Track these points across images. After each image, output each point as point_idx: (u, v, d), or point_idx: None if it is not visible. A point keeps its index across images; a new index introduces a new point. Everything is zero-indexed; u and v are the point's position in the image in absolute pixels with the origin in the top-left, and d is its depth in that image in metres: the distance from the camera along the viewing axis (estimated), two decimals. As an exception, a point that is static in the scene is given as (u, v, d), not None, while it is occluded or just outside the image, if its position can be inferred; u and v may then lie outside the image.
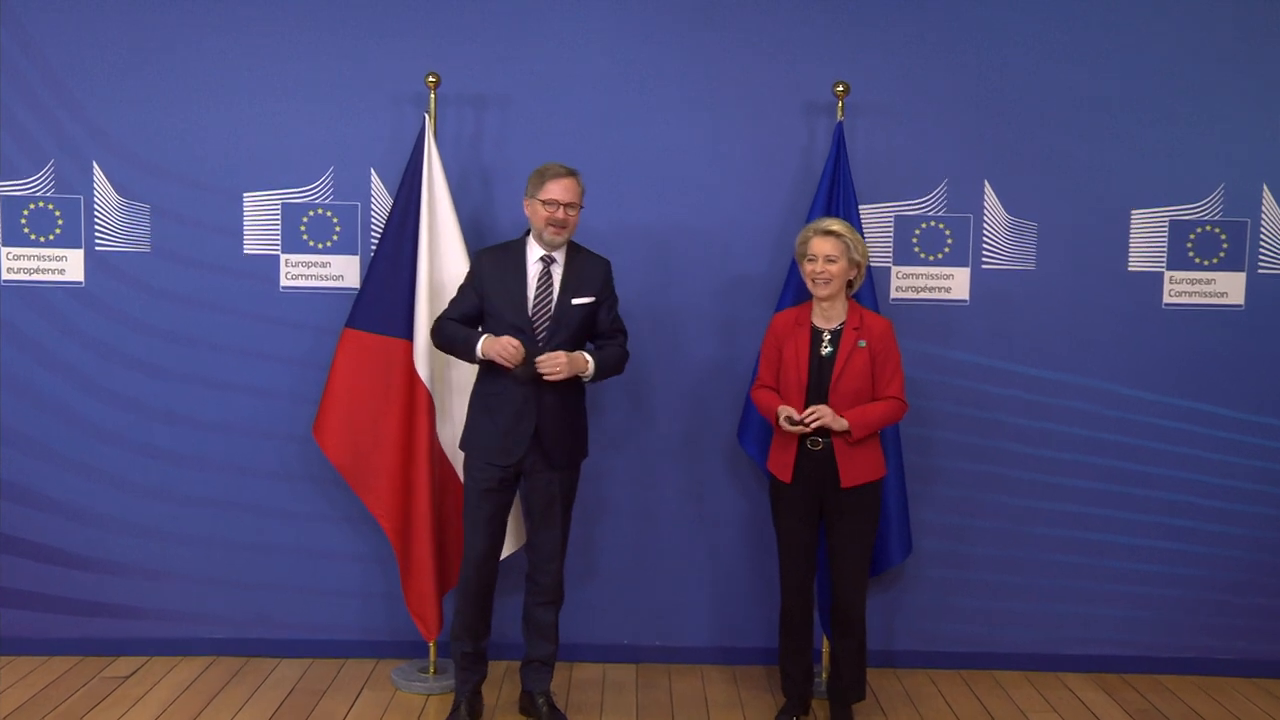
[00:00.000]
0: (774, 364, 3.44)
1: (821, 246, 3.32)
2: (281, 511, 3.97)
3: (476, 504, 3.43)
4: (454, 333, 3.39)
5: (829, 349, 3.33)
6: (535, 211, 3.32)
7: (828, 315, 3.36)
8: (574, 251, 3.43)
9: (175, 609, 3.99)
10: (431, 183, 3.66)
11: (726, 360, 3.90)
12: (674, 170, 3.87)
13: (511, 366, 3.25)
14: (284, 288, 3.90)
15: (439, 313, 3.48)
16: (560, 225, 3.32)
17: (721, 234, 3.88)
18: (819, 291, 3.33)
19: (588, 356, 3.37)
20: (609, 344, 3.47)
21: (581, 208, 3.38)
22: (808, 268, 3.33)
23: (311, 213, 3.88)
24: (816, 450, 3.33)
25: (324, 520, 3.97)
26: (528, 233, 3.43)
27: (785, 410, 3.32)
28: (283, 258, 3.89)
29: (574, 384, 3.39)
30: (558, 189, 3.30)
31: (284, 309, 3.90)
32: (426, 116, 3.67)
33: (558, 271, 3.37)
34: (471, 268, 3.43)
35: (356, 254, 3.88)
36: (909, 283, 3.91)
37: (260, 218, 3.89)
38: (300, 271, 3.89)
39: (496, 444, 3.38)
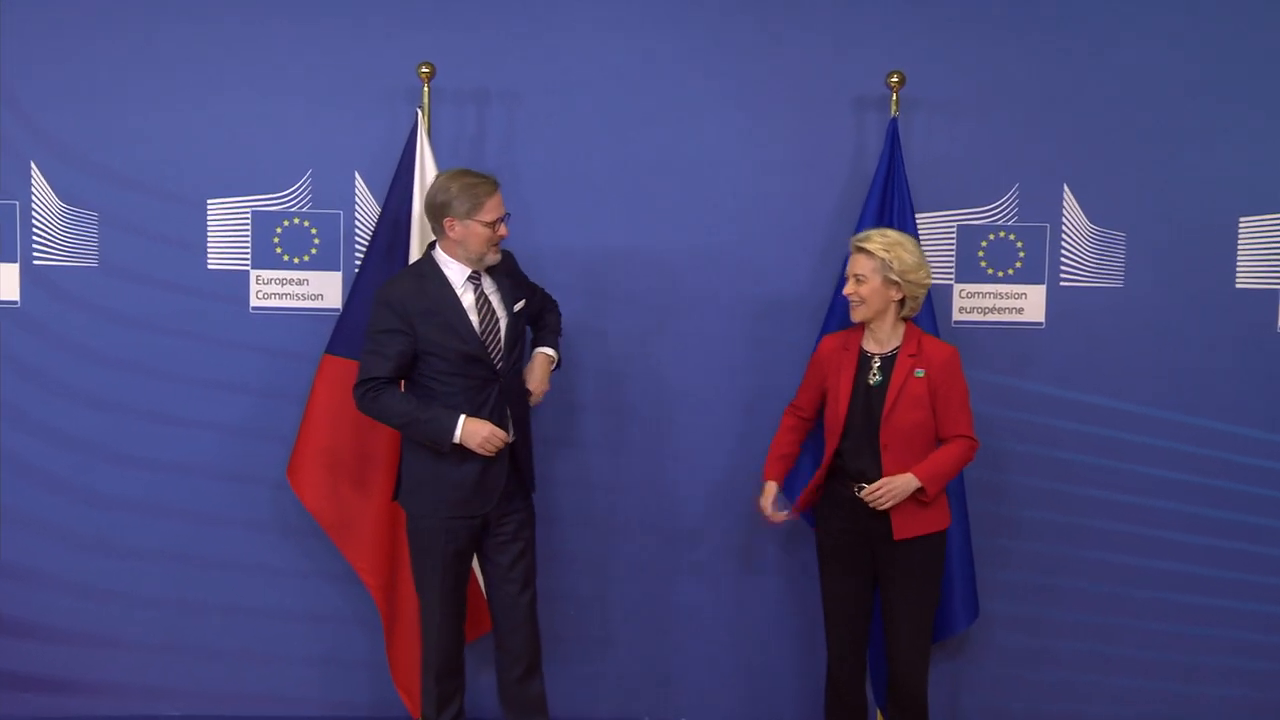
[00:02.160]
0: (813, 390, 3.38)
1: (852, 264, 3.27)
2: (250, 566, 3.82)
3: (439, 571, 3.27)
4: (403, 408, 3.20)
5: (878, 378, 3.22)
6: (473, 233, 3.22)
7: (879, 339, 3.27)
8: None
9: (125, 681, 3.85)
10: (425, 189, 3.48)
11: (764, 393, 3.75)
12: (704, 176, 3.76)
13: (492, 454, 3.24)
14: (255, 308, 3.77)
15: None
16: (500, 242, 3.28)
17: (758, 249, 3.76)
18: (851, 315, 3.29)
19: (547, 353, 3.43)
20: (545, 319, 3.51)
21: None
22: (845, 288, 3.30)
23: (286, 222, 3.76)
24: (865, 498, 3.19)
25: (299, 576, 3.82)
26: (429, 251, 3.31)
27: (769, 496, 3.34)
28: (253, 274, 3.76)
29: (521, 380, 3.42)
30: (497, 205, 3.24)
31: (254, 332, 3.77)
32: (419, 113, 3.58)
33: (490, 286, 3.32)
34: (387, 311, 3.22)
35: (338, 270, 3.76)
36: (974, 303, 3.74)
37: (227, 228, 3.75)
38: (273, 290, 3.76)
39: (471, 490, 3.23)
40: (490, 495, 3.21)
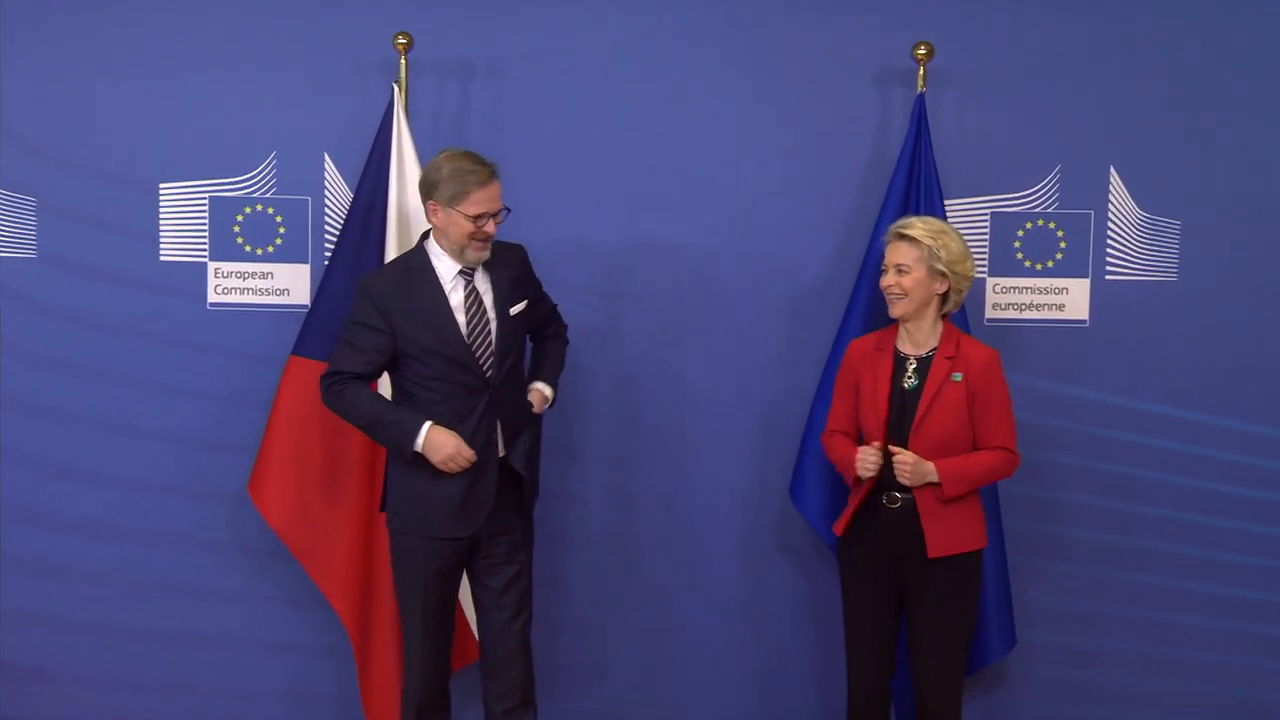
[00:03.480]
0: (850, 402, 3.24)
1: (894, 253, 3.15)
2: (208, 591, 3.70)
3: (421, 593, 3.17)
4: (369, 407, 3.13)
5: (913, 380, 3.13)
6: (454, 222, 3.10)
7: (915, 339, 3.16)
8: None
9: (70, 718, 3.72)
10: (402, 172, 3.47)
11: (777, 399, 3.65)
12: (711, 160, 3.65)
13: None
14: (213, 304, 3.66)
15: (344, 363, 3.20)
16: (487, 240, 3.13)
17: (771, 240, 3.66)
18: (890, 310, 3.17)
19: (541, 390, 3.32)
20: (547, 344, 3.40)
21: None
22: (882, 280, 3.17)
23: (248, 209, 3.65)
24: (894, 508, 3.08)
25: (262, 602, 3.71)
26: (422, 241, 3.22)
27: (866, 455, 3.09)
28: (211, 266, 3.65)
29: (524, 389, 3.32)
30: (487, 198, 3.09)
31: (213, 331, 3.66)
32: (395, 88, 3.48)
33: (483, 284, 3.19)
34: (366, 304, 3.13)
35: (306, 262, 3.65)
36: (1009, 298, 3.63)
37: (181, 216, 3.64)
38: (234, 284, 3.65)
39: (455, 509, 3.12)
40: (476, 515, 3.12)
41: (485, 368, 3.11)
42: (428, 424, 3.05)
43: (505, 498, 3.17)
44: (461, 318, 3.10)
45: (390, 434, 3.07)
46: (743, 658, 3.74)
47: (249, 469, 3.52)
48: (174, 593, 3.69)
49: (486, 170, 3.09)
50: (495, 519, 3.16)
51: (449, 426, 3.09)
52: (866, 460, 3.04)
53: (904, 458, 3.02)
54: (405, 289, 3.11)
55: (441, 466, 3.06)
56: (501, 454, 3.15)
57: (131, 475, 3.66)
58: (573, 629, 3.68)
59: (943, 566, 3.06)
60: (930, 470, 3.01)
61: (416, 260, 3.15)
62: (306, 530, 3.47)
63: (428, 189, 3.06)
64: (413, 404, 3.12)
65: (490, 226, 3.10)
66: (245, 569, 3.69)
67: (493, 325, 3.15)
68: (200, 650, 3.70)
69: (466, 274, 3.14)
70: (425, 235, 3.18)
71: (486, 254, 3.14)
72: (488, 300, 3.15)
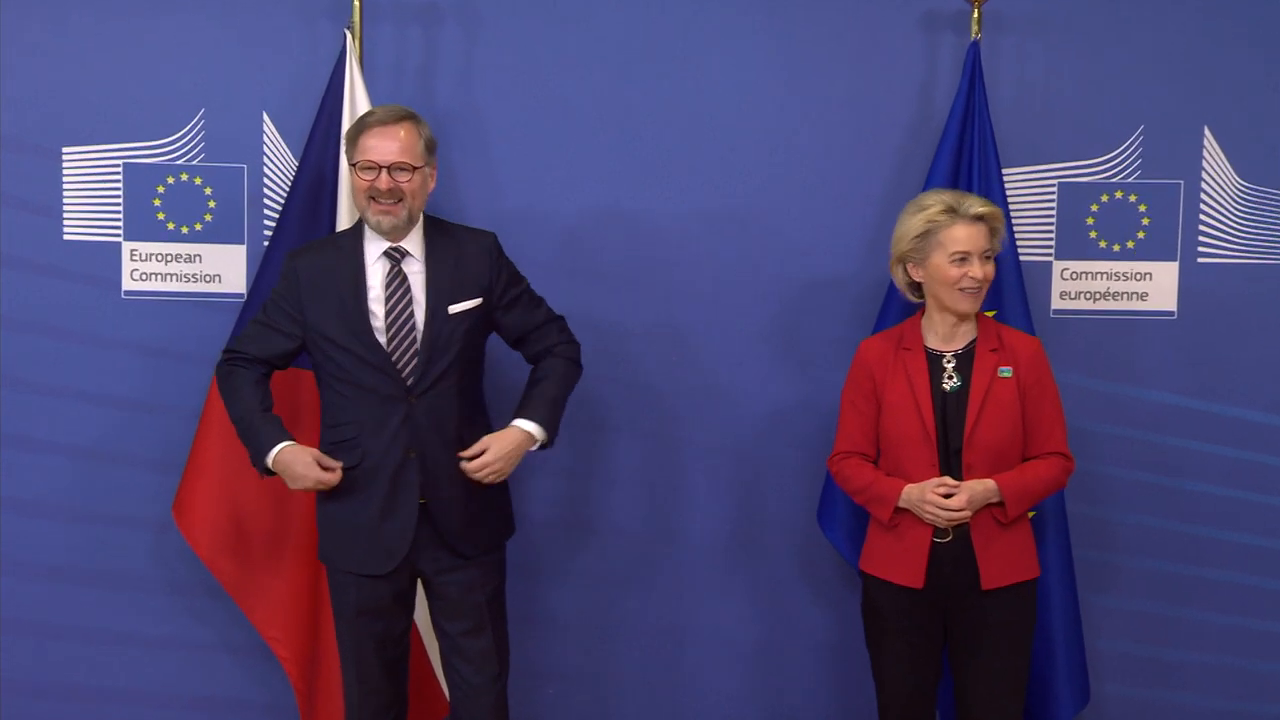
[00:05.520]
0: (868, 417, 3.02)
1: (975, 239, 2.90)
2: (126, 636, 3.52)
3: (352, 635, 3.01)
4: (239, 405, 2.96)
5: (955, 381, 2.92)
6: (354, 183, 2.96)
7: (949, 333, 2.96)
8: (437, 233, 3.02)
9: None
10: None
11: (800, 405, 3.51)
12: (722, 122, 3.49)
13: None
14: (128, 293, 3.47)
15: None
16: (389, 199, 2.87)
17: (793, 216, 3.50)
18: (964, 306, 2.94)
19: (527, 428, 2.95)
20: (546, 365, 3.06)
21: (426, 168, 2.94)
22: (952, 271, 2.89)
23: (171, 179, 3.46)
24: (944, 543, 2.88)
25: (191, 649, 3.53)
26: (362, 218, 3.10)
27: (918, 492, 2.83)
28: (126, 247, 3.46)
29: (477, 423, 3.02)
30: (378, 143, 2.87)
31: (128, 325, 3.48)
32: (348, 34, 3.30)
33: (416, 269, 2.95)
34: (285, 280, 3.00)
35: (241, 242, 3.47)
36: (1081, 286, 3.45)
37: (90, 186, 3.46)
38: (154, 268, 3.46)
39: (366, 544, 2.93)
40: (391, 553, 2.93)
41: (405, 372, 2.87)
42: (284, 443, 2.87)
43: (433, 542, 2.98)
44: (379, 308, 2.92)
45: (249, 444, 2.93)
46: (760, 710, 3.61)
47: (173, 489, 3.33)
48: (84, 639, 3.52)
49: (383, 113, 2.89)
50: (435, 555, 2.98)
51: (357, 441, 2.89)
52: (947, 513, 2.80)
53: (959, 504, 2.82)
54: (324, 268, 2.96)
55: (294, 487, 2.91)
56: (421, 500, 2.95)
57: (29, 497, 3.47)
58: (560, 680, 3.56)
59: (999, 600, 2.88)
60: (989, 490, 2.81)
61: (344, 238, 3.00)
62: (242, 561, 3.30)
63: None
64: (329, 409, 2.97)
65: (383, 180, 2.85)
66: (170, 609, 3.52)
67: (419, 319, 2.96)
68: (117, 709, 3.52)
69: (394, 256, 2.94)
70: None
71: (396, 220, 2.91)
72: (419, 291, 2.95)
